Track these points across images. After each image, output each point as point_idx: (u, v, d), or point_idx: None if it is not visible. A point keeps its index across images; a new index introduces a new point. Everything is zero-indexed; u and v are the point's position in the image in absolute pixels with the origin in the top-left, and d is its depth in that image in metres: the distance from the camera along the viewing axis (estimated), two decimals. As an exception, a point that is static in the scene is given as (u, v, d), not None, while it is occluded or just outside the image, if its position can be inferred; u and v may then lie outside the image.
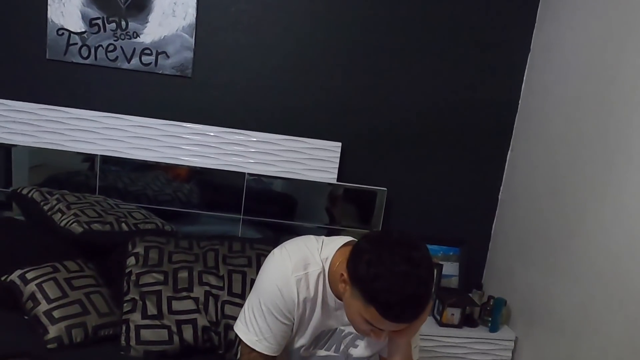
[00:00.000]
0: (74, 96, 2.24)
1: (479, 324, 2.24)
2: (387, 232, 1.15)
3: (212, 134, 2.28)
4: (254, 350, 1.26)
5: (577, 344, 1.84)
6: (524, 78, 2.40)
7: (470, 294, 2.38)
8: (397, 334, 1.21)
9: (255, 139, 2.29)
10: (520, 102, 2.42)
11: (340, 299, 1.23)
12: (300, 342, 1.31)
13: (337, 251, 1.26)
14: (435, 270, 2.28)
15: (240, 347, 1.30)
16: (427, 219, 2.51)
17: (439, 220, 2.52)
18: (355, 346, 1.36)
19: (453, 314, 2.17)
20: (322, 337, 1.34)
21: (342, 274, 1.17)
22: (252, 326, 1.26)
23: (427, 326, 2.17)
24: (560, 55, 2.14)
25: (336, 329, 1.33)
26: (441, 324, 2.17)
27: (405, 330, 1.19)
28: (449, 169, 2.48)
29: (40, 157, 2.22)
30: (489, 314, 2.22)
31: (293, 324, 1.26)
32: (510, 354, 2.21)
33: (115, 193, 2.24)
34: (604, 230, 1.75)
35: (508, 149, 2.48)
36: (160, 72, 2.25)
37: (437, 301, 2.23)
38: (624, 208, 1.67)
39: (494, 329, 2.20)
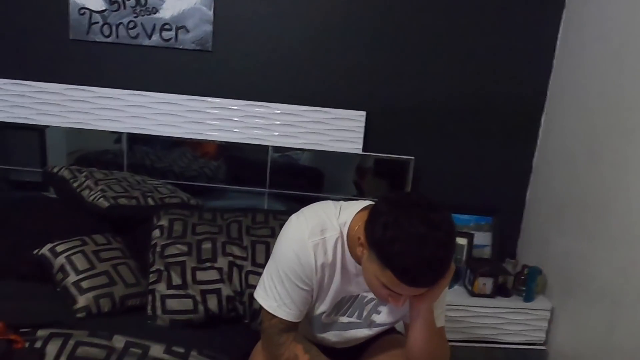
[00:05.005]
0: (98, 75, 2.26)
1: (512, 294, 2.17)
2: (406, 194, 1.11)
3: (235, 107, 2.27)
4: (275, 316, 1.24)
5: (618, 312, 1.75)
6: (559, 36, 2.26)
7: (503, 264, 2.31)
8: (417, 299, 1.17)
9: (278, 111, 2.27)
10: (554, 61, 2.29)
11: (360, 264, 1.19)
12: (321, 308, 1.29)
13: (355, 215, 1.23)
14: (465, 240, 2.27)
15: (261, 314, 1.29)
16: (457, 187, 2.43)
17: (470, 188, 2.44)
18: (378, 312, 1.33)
19: (485, 283, 2.11)
20: (343, 304, 1.31)
21: (359, 238, 1.14)
22: (271, 292, 1.25)
23: (458, 296, 2.13)
24: (597, 10, 2.00)
25: (358, 295, 1.30)
26: (473, 294, 2.11)
27: (425, 295, 1.15)
28: (479, 135, 2.38)
29: (71, 137, 2.28)
30: (523, 284, 2.14)
31: (312, 289, 1.24)
32: (547, 324, 2.14)
33: (143, 170, 2.27)
34: (645, 191, 1.65)
35: (542, 112, 2.36)
36: (180, 47, 2.24)
37: (468, 271, 2.17)
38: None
39: (528, 298, 2.13)
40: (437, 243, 1.02)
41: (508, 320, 2.12)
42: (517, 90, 2.33)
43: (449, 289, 2.15)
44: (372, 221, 1.09)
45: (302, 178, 2.36)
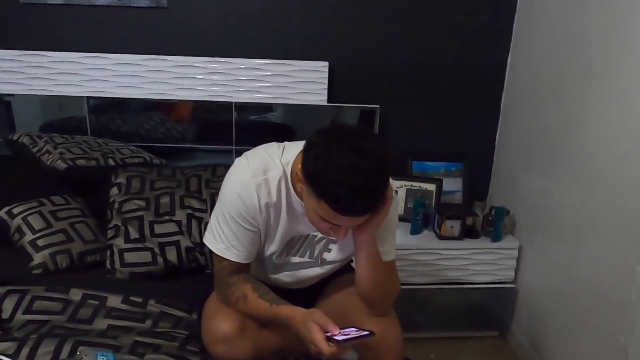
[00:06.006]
0: (52, 39, 2.21)
1: (481, 235, 2.19)
2: (340, 125, 1.10)
3: (197, 64, 2.23)
4: (224, 259, 1.25)
5: (578, 243, 1.78)
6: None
7: (472, 207, 2.32)
8: (358, 231, 1.18)
9: (242, 66, 2.23)
10: (518, 1, 2.24)
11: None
12: (271, 249, 1.30)
13: (298, 154, 1.22)
14: (433, 185, 2.26)
15: (212, 258, 1.30)
16: (426, 135, 2.42)
17: (438, 135, 2.43)
18: (329, 250, 1.34)
19: (452, 226, 2.12)
20: (294, 244, 1.32)
21: (297, 173, 1.14)
22: (219, 235, 1.25)
23: (427, 240, 2.15)
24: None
25: (308, 234, 1.31)
26: (440, 237, 2.13)
27: (365, 225, 1.15)
28: (445, 82, 2.36)
29: (36, 104, 2.24)
30: (491, 225, 2.16)
31: (259, 230, 1.24)
32: (515, 263, 2.17)
33: (108, 134, 2.25)
34: (605, 121, 1.64)
35: (508, 53, 2.33)
36: (135, 5, 2.18)
37: (436, 215, 2.19)
38: (623, 96, 1.55)
39: (496, 238, 2.15)
40: (368, 171, 1.01)
41: (477, 260, 2.14)
42: (484, 34, 2.29)
43: (417, 234, 2.18)
44: (306, 154, 1.09)
45: (270, 133, 2.35)
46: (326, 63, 2.25)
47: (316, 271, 1.37)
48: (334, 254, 1.34)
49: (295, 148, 1.25)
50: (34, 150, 1.95)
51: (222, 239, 1.25)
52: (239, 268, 1.26)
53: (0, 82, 2.20)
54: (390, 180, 1.19)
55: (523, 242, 2.16)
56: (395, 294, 1.32)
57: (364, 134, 1.07)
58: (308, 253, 1.34)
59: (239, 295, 1.24)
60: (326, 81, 2.27)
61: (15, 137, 2.05)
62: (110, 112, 2.26)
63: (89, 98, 2.22)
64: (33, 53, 2.18)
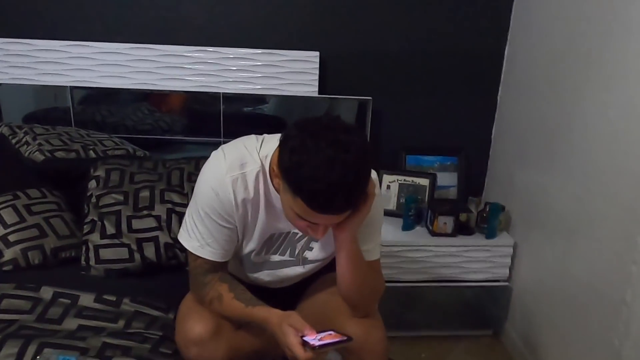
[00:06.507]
0: (34, 26, 2.14)
1: (475, 231, 2.12)
2: (318, 118, 1.03)
3: (186, 54, 2.16)
4: (199, 257, 1.20)
5: (574, 239, 1.71)
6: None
7: (467, 203, 2.26)
8: (338, 229, 1.11)
9: (230, 56, 2.16)
10: (515, -8, 2.17)
11: (281, 197, 1.13)
12: (250, 246, 1.24)
13: (277, 147, 1.16)
14: (427, 180, 2.20)
15: (187, 256, 1.24)
16: (420, 128, 2.35)
17: (433, 128, 2.36)
18: (311, 249, 1.28)
19: (445, 222, 2.06)
20: (273, 242, 1.26)
21: (273, 168, 1.07)
22: (193, 233, 1.19)
23: (420, 236, 2.08)
24: None
25: (289, 232, 1.25)
26: (433, 233, 2.07)
27: (345, 224, 1.09)
28: (441, 73, 2.28)
29: (16, 93, 2.18)
30: (485, 221, 2.10)
31: (236, 227, 1.18)
32: (510, 260, 2.10)
33: (93, 126, 2.19)
34: (604, 116, 1.57)
35: (505, 45, 2.25)
36: (119, -9, 2.11)
37: (429, 211, 2.12)
38: (623, 91, 1.48)
39: (490, 235, 2.08)
40: (346, 165, 0.95)
41: (470, 258, 2.08)
42: (480, 23, 2.21)
43: (409, 230, 2.11)
44: (281, 148, 1.02)
45: (260, 125, 2.28)
46: (317, 53, 2.17)
47: (297, 270, 1.31)
48: (315, 253, 1.28)
49: (274, 141, 1.18)
50: (13, 141, 1.89)
51: (196, 236, 1.19)
52: (215, 267, 1.20)
53: (-17, 71, 2.14)
54: (373, 175, 1.13)
55: (518, 239, 2.09)
56: (379, 295, 1.26)
57: (343, 127, 1.00)
58: (289, 251, 1.28)
59: (213, 296, 1.18)
60: (317, 72, 2.20)
61: (-5, 128, 1.99)
62: (95, 103, 2.20)
63: (72, 88, 2.16)
64: (15, 41, 2.12)
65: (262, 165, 1.16)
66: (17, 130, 1.95)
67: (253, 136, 1.23)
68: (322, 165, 0.94)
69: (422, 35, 2.23)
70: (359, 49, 2.23)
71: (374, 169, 1.09)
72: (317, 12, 2.18)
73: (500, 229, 2.13)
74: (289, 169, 0.98)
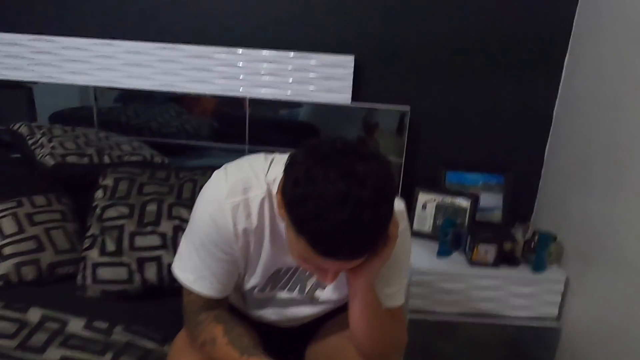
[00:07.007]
0: (60, 24, 2.07)
1: (521, 262, 1.88)
2: (332, 140, 0.85)
3: (212, 56, 2.04)
4: (192, 291, 1.04)
5: (638, 280, 1.46)
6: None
7: (512, 229, 2.02)
8: (352, 275, 0.93)
9: (260, 59, 2.02)
10: (581, -11, 1.91)
11: (289, 229, 0.96)
12: (252, 282, 1.08)
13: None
14: (468, 201, 1.98)
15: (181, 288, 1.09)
16: (463, 141, 2.13)
17: (478, 143, 2.14)
18: (323, 288, 1.11)
19: (487, 250, 1.83)
20: (280, 277, 1.10)
21: (278, 197, 0.91)
22: (188, 263, 1.04)
23: (456, 265, 1.86)
24: None
25: (298, 267, 1.08)
26: (472, 262, 1.84)
27: (360, 269, 0.91)
28: (489, 79, 2.05)
29: (43, 92, 2.12)
30: (533, 252, 1.85)
31: (235, 260, 1.02)
32: (560, 298, 1.85)
33: (117, 127, 2.10)
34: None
35: (566, 51, 1.99)
36: (146, -12, 2.01)
37: (468, 237, 1.90)
38: None
39: (539, 268, 1.84)
40: (359, 203, 0.77)
41: (514, 292, 1.84)
42: (536, 24, 1.97)
43: (445, 256, 1.90)
44: (286, 175, 0.85)
45: (284, 132, 2.13)
46: (352, 57, 1.99)
47: (306, 310, 1.13)
48: (328, 293, 1.11)
49: (284, 162, 1.01)
50: (30, 142, 1.82)
51: (191, 268, 1.04)
52: (210, 304, 1.05)
53: (6, 68, 2.09)
54: (399, 207, 0.95)
55: (571, 274, 1.84)
56: (400, 349, 1.07)
57: (361, 153, 0.82)
58: (297, 289, 1.11)
59: (206, 338, 1.02)
60: (351, 78, 2.02)
61: (15, 127, 1.93)
62: (119, 103, 2.11)
63: (96, 88, 2.08)
64: (41, 38, 2.06)
65: (269, 191, 0.99)
66: (36, 130, 1.88)
67: (262, 155, 1.07)
68: (331, 202, 0.77)
69: (469, 36, 2.00)
70: (396, 52, 2.03)
71: (403, 192, 0.90)
72: (352, 12, 2.00)
73: (550, 261, 1.88)
74: (291, 202, 0.81)
